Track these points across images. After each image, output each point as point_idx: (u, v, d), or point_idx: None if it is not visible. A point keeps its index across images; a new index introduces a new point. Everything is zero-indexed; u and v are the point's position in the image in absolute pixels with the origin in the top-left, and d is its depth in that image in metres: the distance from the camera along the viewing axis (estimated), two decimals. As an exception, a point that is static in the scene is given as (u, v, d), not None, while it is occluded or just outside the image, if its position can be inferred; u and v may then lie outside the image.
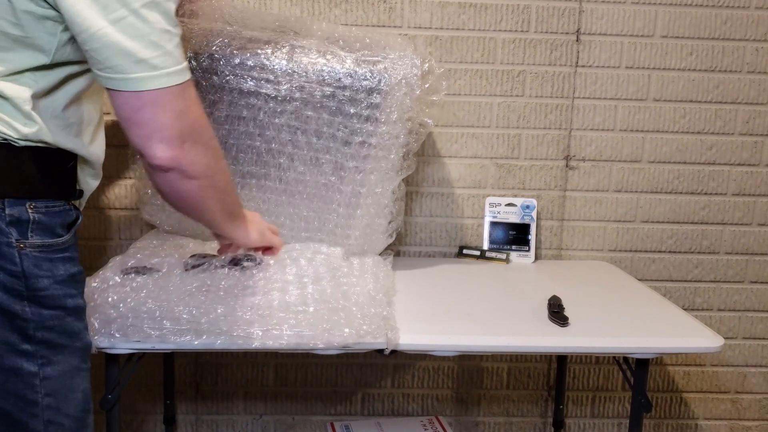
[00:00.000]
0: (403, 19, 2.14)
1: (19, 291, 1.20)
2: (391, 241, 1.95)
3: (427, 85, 1.81)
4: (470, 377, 2.36)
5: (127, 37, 1.14)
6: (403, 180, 1.91)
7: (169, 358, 2.21)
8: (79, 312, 1.30)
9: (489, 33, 2.17)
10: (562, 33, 2.18)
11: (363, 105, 1.76)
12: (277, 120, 1.78)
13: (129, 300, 1.49)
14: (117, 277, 1.58)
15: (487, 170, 2.23)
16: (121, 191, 2.17)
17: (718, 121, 2.24)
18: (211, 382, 2.32)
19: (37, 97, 1.21)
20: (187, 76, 1.22)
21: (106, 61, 1.15)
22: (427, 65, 1.81)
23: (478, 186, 2.23)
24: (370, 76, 1.75)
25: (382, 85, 1.75)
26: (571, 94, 2.21)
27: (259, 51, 1.75)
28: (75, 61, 1.23)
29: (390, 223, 1.92)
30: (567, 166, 2.24)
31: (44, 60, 1.20)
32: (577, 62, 2.20)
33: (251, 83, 1.76)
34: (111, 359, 1.51)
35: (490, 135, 2.22)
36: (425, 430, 2.17)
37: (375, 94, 1.76)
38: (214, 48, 1.75)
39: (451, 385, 2.37)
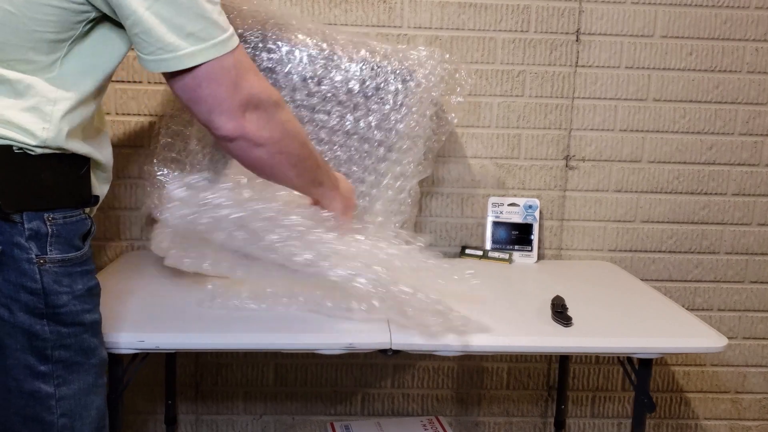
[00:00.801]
0: (403, 19, 2.14)
1: (39, 310, 1.16)
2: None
3: (455, 86, 1.85)
4: (470, 377, 2.36)
5: (174, 13, 1.14)
6: (418, 184, 1.92)
7: (171, 358, 2.21)
8: (96, 327, 1.27)
9: (489, 33, 2.17)
10: (562, 33, 2.18)
11: (392, 93, 1.78)
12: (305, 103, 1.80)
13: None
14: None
15: (487, 170, 2.23)
16: (122, 191, 2.16)
17: (718, 121, 2.24)
18: (211, 382, 2.31)
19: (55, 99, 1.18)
20: (236, 42, 1.22)
21: (157, 42, 1.15)
22: (454, 66, 1.84)
23: (478, 186, 2.23)
24: (401, 68, 1.77)
25: (412, 76, 1.77)
26: (571, 94, 2.21)
27: (291, 37, 1.77)
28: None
29: (403, 225, 1.91)
30: (567, 166, 2.24)
31: (56, 57, 1.18)
32: (577, 62, 2.20)
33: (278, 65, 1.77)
34: (115, 359, 1.50)
35: (490, 135, 2.22)
36: (425, 430, 2.16)
37: (405, 83, 1.77)
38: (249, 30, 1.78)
39: (451, 385, 2.37)
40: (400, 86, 1.81)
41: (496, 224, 2.20)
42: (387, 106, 1.81)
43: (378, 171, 1.84)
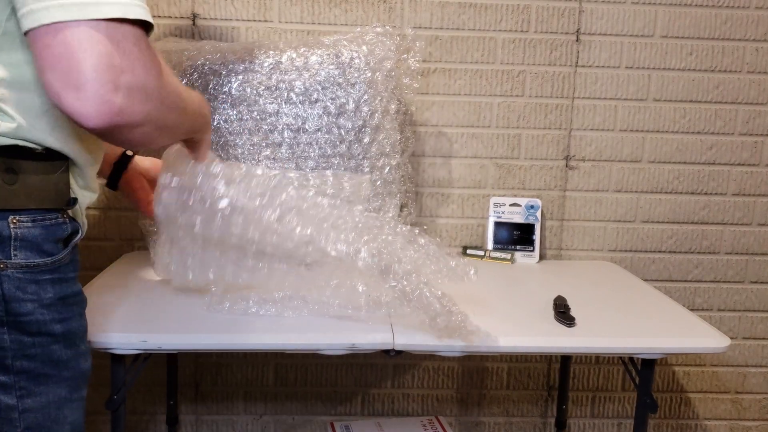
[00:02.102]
0: (403, 19, 2.14)
1: None
2: None
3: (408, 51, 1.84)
4: (470, 377, 2.36)
5: None
6: (409, 163, 1.91)
7: (172, 358, 2.20)
8: (72, 337, 1.18)
9: (489, 33, 2.17)
10: (562, 33, 2.18)
11: (344, 79, 1.78)
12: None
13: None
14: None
15: (487, 170, 2.23)
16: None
17: (718, 121, 2.25)
18: (211, 383, 2.31)
19: (11, 86, 1.07)
20: (133, 14, 0.99)
21: None
22: (399, 36, 1.86)
23: (479, 186, 2.23)
24: (348, 52, 1.78)
25: (361, 58, 1.78)
26: (571, 94, 2.21)
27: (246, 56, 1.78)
28: None
29: (402, 209, 1.91)
30: (567, 166, 2.24)
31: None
32: (577, 62, 2.20)
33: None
34: (117, 360, 1.50)
35: (490, 135, 2.22)
36: (425, 430, 2.16)
37: (353, 65, 1.77)
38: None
39: (451, 385, 2.37)
40: (348, 71, 1.81)
41: (497, 224, 2.20)
42: (342, 92, 1.81)
43: (355, 156, 1.83)
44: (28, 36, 0.97)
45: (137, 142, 1.08)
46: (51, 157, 1.13)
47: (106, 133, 1.02)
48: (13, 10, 1.00)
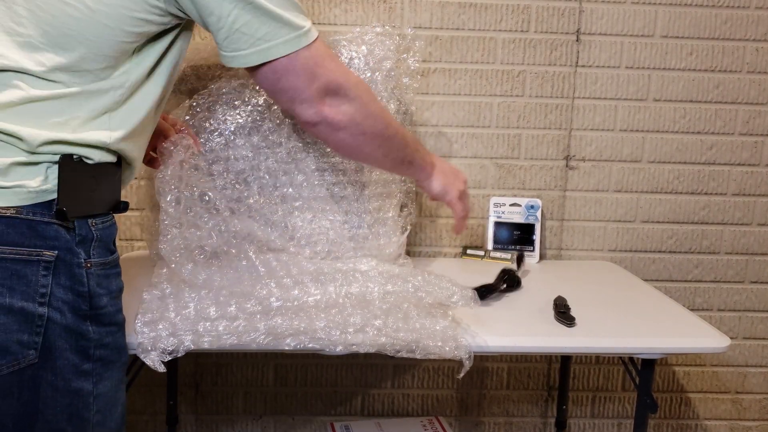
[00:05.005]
0: (403, 19, 2.14)
1: (84, 311, 1.21)
2: (406, 232, 1.92)
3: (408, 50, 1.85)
4: (470, 377, 2.36)
5: (252, 15, 1.25)
6: None
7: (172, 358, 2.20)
8: (124, 326, 1.33)
9: (489, 33, 2.17)
10: (562, 33, 2.18)
11: None
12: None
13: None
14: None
15: (487, 170, 2.23)
16: (122, 191, 2.15)
17: (718, 121, 2.25)
18: (210, 382, 2.31)
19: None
20: (314, 35, 1.31)
21: (240, 39, 1.26)
22: (399, 36, 1.84)
23: (479, 186, 2.23)
24: (347, 50, 1.78)
25: (360, 57, 1.77)
26: (571, 94, 2.21)
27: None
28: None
29: (402, 210, 1.91)
30: (567, 166, 2.24)
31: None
32: (577, 62, 2.20)
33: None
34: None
35: (490, 135, 2.22)
36: (425, 430, 2.16)
37: (354, 62, 1.77)
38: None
39: (451, 385, 2.37)
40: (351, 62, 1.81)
41: (498, 224, 2.20)
42: None
43: None
44: (252, 70, 1.31)
45: (347, 143, 1.43)
46: (116, 165, 1.28)
47: (321, 131, 1.39)
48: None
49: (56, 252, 1.18)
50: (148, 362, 1.39)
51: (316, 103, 1.34)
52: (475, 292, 1.66)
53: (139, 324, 1.42)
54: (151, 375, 2.26)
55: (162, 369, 1.39)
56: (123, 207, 1.33)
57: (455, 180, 1.70)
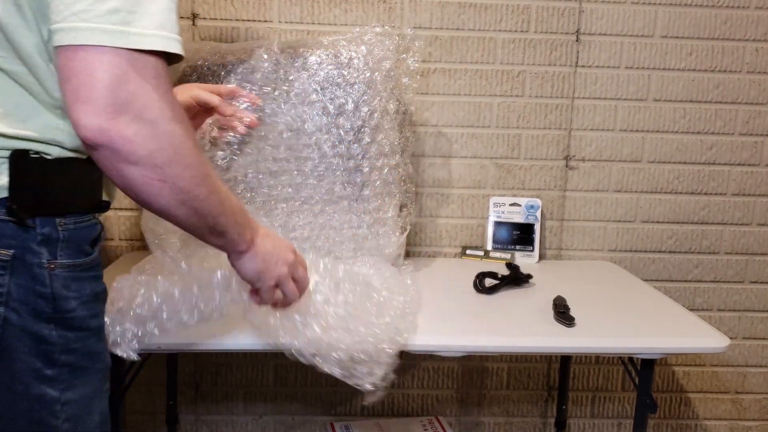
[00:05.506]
0: (403, 19, 2.14)
1: (47, 314, 1.14)
2: (405, 233, 1.93)
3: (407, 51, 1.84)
4: (470, 377, 2.36)
5: None
6: (410, 162, 1.92)
7: (172, 358, 2.20)
8: (101, 332, 1.24)
9: (489, 33, 2.17)
10: (562, 33, 2.18)
11: (343, 79, 1.78)
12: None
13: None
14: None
15: (487, 170, 2.23)
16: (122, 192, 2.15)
17: (718, 121, 2.24)
18: (210, 382, 2.31)
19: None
20: (159, 45, 1.04)
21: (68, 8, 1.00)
22: (398, 36, 1.85)
23: (479, 186, 2.23)
24: (347, 52, 1.78)
25: (360, 57, 1.78)
26: (571, 94, 2.21)
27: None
28: None
29: (402, 210, 1.91)
30: (567, 166, 2.24)
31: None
32: (577, 62, 2.20)
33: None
34: (117, 360, 1.49)
35: (490, 135, 2.22)
36: (425, 430, 2.16)
37: (352, 65, 1.77)
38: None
39: (451, 385, 2.37)
40: (346, 71, 1.80)
41: (497, 224, 2.20)
42: (341, 91, 1.81)
43: (354, 156, 1.82)
44: (56, 48, 1.01)
45: (138, 184, 1.07)
46: (90, 163, 1.16)
47: (104, 158, 1.04)
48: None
49: (12, 251, 1.12)
50: (120, 354, 1.36)
51: (105, 113, 1.00)
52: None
53: (109, 318, 1.36)
54: (151, 375, 2.26)
55: (136, 357, 1.36)
56: (104, 206, 1.25)
57: (275, 266, 1.34)
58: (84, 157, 1.17)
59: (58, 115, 1.13)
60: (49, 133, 1.13)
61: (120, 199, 2.15)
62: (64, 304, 1.15)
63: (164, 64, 1.06)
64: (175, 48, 1.05)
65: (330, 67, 1.81)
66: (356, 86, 1.81)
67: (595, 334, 1.58)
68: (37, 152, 1.13)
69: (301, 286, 1.40)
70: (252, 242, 1.29)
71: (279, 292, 1.36)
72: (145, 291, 1.44)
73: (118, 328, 1.38)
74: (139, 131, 1.02)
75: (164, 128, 1.04)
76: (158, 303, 1.41)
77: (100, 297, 1.23)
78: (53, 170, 1.14)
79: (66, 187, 1.17)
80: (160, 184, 1.07)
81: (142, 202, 1.11)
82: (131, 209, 2.17)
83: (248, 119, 1.61)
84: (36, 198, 1.13)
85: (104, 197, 1.27)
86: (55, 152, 1.14)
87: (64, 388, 1.18)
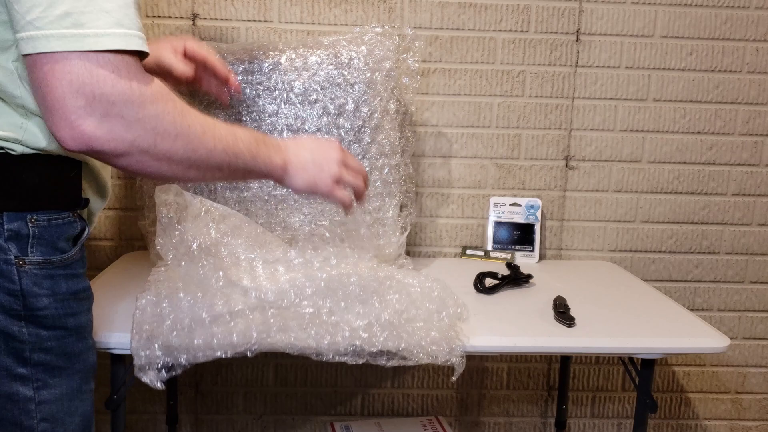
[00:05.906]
0: (403, 19, 2.14)
1: (16, 311, 1.12)
2: (406, 233, 1.93)
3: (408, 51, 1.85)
4: (470, 377, 2.36)
5: None
6: (410, 162, 1.92)
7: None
8: (82, 331, 1.22)
9: (489, 33, 2.17)
10: (562, 33, 2.18)
11: (343, 79, 1.78)
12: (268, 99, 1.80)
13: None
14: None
15: (487, 170, 2.23)
16: (121, 191, 2.16)
17: (718, 121, 2.24)
18: (210, 382, 2.31)
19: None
20: (116, 44, 1.02)
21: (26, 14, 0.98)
22: (398, 36, 1.86)
23: (478, 186, 2.23)
24: (348, 52, 1.78)
25: (360, 57, 1.78)
26: (571, 94, 2.21)
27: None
28: None
29: (402, 210, 1.91)
30: (567, 166, 2.24)
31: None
32: (577, 62, 2.20)
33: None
34: (117, 360, 1.50)
35: (490, 135, 2.22)
36: (425, 430, 2.16)
37: (352, 65, 1.77)
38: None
39: (451, 385, 2.37)
40: (347, 71, 1.81)
41: (497, 224, 2.20)
42: (342, 92, 1.81)
43: (356, 154, 1.82)
44: (24, 58, 1.01)
45: (137, 170, 1.10)
46: (62, 160, 1.17)
47: (98, 158, 1.08)
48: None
49: None
50: (146, 380, 1.35)
51: (73, 121, 1.01)
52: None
53: (135, 341, 1.37)
54: (151, 375, 2.26)
55: (161, 386, 1.34)
56: (83, 204, 1.23)
57: (322, 170, 1.37)
58: (55, 154, 1.15)
59: (21, 113, 1.11)
60: (12, 132, 1.11)
61: (120, 199, 2.15)
62: (35, 302, 1.14)
63: (130, 59, 1.04)
64: (135, 45, 1.04)
65: (330, 67, 1.81)
66: (356, 86, 1.81)
67: (595, 334, 1.58)
68: (1, 148, 1.11)
69: (360, 171, 1.46)
70: (286, 162, 1.33)
71: (344, 191, 1.42)
72: (171, 311, 1.43)
73: (144, 353, 1.36)
74: (112, 128, 1.03)
75: (135, 116, 1.04)
76: (188, 328, 1.40)
77: (80, 295, 1.21)
78: (19, 166, 1.12)
79: (35, 183, 1.14)
80: (157, 163, 1.10)
81: (156, 180, 1.20)
82: (130, 209, 2.17)
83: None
84: (1, 193, 1.12)
85: (89, 194, 1.25)
86: (19, 149, 1.12)
87: (38, 387, 1.16)
